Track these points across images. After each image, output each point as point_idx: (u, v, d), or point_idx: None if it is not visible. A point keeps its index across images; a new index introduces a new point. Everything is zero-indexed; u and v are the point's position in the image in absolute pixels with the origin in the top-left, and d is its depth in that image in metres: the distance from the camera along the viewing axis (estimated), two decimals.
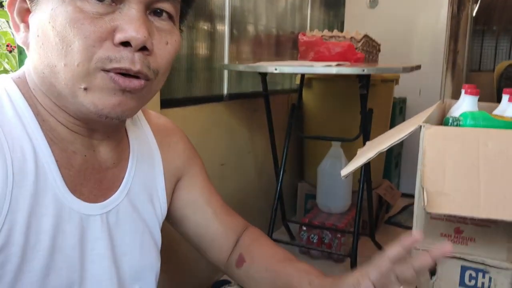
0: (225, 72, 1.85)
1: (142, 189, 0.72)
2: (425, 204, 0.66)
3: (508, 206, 0.64)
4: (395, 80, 2.37)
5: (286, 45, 2.41)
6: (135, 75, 0.55)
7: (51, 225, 0.57)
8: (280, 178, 1.92)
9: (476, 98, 1.01)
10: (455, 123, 0.88)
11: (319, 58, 1.97)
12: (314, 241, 2.01)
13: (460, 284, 0.81)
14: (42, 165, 0.57)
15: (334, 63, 1.61)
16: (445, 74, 2.87)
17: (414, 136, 0.78)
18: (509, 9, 4.41)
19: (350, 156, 1.08)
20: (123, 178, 0.69)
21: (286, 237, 2.15)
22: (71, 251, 0.60)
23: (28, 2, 0.57)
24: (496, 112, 1.02)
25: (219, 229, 0.82)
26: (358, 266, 1.69)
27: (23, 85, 0.60)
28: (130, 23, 0.53)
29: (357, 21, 2.96)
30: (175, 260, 1.50)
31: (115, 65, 0.53)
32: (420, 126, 0.76)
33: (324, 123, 2.26)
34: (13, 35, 0.62)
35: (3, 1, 1.09)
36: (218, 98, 1.82)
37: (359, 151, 0.95)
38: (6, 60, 1.17)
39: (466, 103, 1.00)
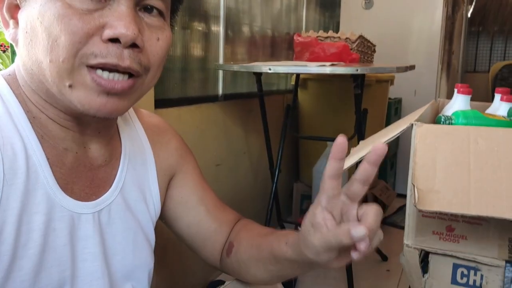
0: (220, 73, 1.85)
1: (134, 188, 0.72)
2: (416, 201, 0.66)
3: (498, 203, 0.64)
4: (390, 81, 2.38)
5: (282, 46, 2.41)
6: (124, 72, 0.55)
7: (42, 223, 0.57)
8: (276, 178, 1.92)
9: (468, 97, 1.01)
10: (447, 122, 0.88)
11: (314, 58, 1.97)
12: None
13: (452, 282, 0.81)
14: (33, 163, 0.57)
15: (328, 63, 1.61)
16: (440, 74, 2.88)
17: (410, 137, 0.78)
18: (504, 10, 4.43)
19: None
20: (115, 176, 0.68)
21: None
22: (62, 250, 0.59)
23: None
24: (489, 111, 1.02)
25: (212, 226, 0.82)
26: (353, 266, 1.71)
27: (13, 82, 0.60)
28: (119, 20, 0.53)
29: (353, 22, 2.97)
30: (171, 260, 1.50)
31: (100, 60, 0.53)
32: (412, 125, 0.76)
33: (319, 123, 2.27)
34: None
35: None
36: (213, 99, 1.82)
37: (353, 150, 0.95)
38: (0, 60, 1.16)
39: (459, 102, 1.01)
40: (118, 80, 0.54)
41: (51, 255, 0.58)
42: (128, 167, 0.71)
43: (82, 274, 0.62)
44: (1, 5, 0.58)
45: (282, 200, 2.17)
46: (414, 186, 0.68)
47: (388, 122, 2.50)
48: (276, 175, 1.92)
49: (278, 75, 2.37)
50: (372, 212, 0.55)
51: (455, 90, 1.03)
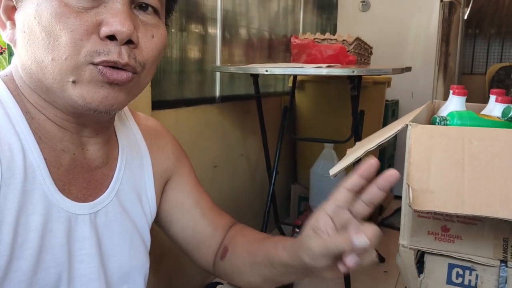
0: (217, 75, 1.86)
1: (131, 190, 0.72)
2: (410, 201, 0.66)
3: (492, 203, 0.64)
4: (387, 83, 2.39)
5: (279, 48, 2.42)
6: (122, 68, 0.55)
7: (40, 223, 0.57)
8: (273, 180, 1.93)
9: (463, 98, 1.02)
10: (442, 123, 0.89)
11: (311, 60, 1.97)
12: None
13: (447, 282, 0.81)
14: (30, 164, 0.57)
15: (324, 65, 1.62)
16: (437, 76, 2.89)
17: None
18: (501, 12, 4.45)
19: (343, 157, 1.08)
20: (112, 178, 0.69)
21: None
22: (59, 250, 0.60)
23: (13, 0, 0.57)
24: (484, 112, 1.02)
25: (207, 230, 0.82)
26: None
27: (11, 83, 0.60)
28: (115, 17, 0.54)
29: (350, 24, 2.98)
30: (167, 261, 1.49)
31: (103, 58, 0.54)
32: (407, 125, 0.76)
33: (316, 125, 2.27)
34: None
35: None
36: (211, 100, 1.82)
37: (349, 151, 0.95)
38: None
39: (454, 103, 1.01)
40: (119, 71, 0.55)
41: (48, 255, 0.58)
42: (125, 169, 0.71)
43: (79, 275, 0.63)
44: None
45: (279, 201, 2.17)
46: (408, 186, 0.68)
47: (385, 124, 2.50)
48: (274, 177, 1.92)
49: (275, 77, 2.38)
50: (371, 229, 0.57)
51: (451, 91, 1.04)
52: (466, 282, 0.80)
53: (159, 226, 0.84)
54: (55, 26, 0.52)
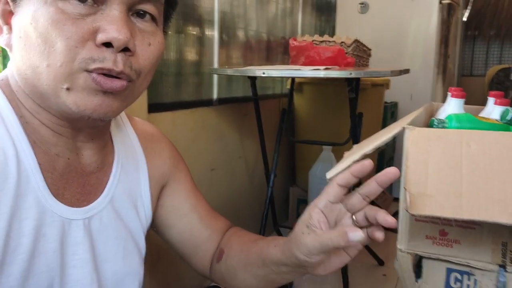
0: (215, 77, 1.85)
1: (126, 195, 0.71)
2: (408, 205, 0.65)
3: (490, 207, 0.63)
4: (386, 85, 2.38)
5: (277, 50, 2.41)
6: (117, 76, 0.55)
7: (33, 228, 0.57)
8: (271, 183, 1.92)
9: (462, 100, 1.01)
10: (440, 125, 0.88)
11: (309, 62, 1.97)
12: None
13: (445, 287, 0.80)
14: (24, 168, 0.57)
15: (322, 67, 1.61)
16: (436, 78, 2.89)
17: None
18: (500, 14, 4.45)
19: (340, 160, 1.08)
20: (106, 183, 0.68)
21: None
22: (52, 256, 0.59)
23: (11, 4, 0.56)
24: (482, 114, 1.02)
25: (204, 234, 0.82)
26: (349, 271, 1.70)
27: (6, 87, 0.60)
28: (111, 24, 0.53)
29: (348, 26, 2.98)
30: (164, 266, 1.48)
31: (98, 65, 0.53)
32: (404, 128, 0.75)
33: (315, 127, 2.26)
34: None
35: None
36: (208, 103, 1.81)
37: (346, 154, 0.95)
38: None
39: (452, 106, 1.00)
40: (114, 79, 0.55)
41: (40, 261, 0.58)
42: (120, 174, 0.71)
43: (71, 280, 0.62)
44: None
45: (278, 204, 2.16)
46: (405, 190, 0.67)
47: (384, 126, 2.49)
48: (272, 180, 1.92)
49: (273, 79, 2.38)
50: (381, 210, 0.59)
51: (449, 94, 1.03)
52: (464, 287, 0.79)
53: (156, 232, 0.84)
54: (51, 33, 0.52)
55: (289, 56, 2.11)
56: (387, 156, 2.75)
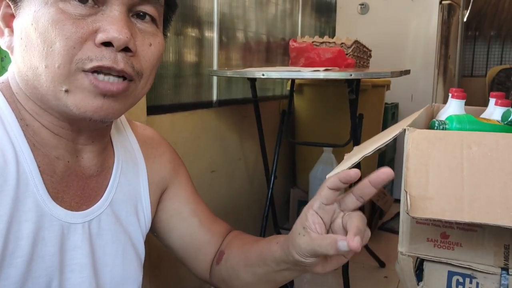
0: (215, 79, 1.85)
1: (125, 200, 0.71)
2: (408, 208, 0.65)
3: (492, 209, 0.63)
4: (386, 86, 2.38)
5: (277, 51, 2.41)
6: (118, 75, 0.55)
7: (31, 231, 0.57)
8: (271, 185, 1.91)
9: (462, 101, 1.00)
10: (441, 127, 0.87)
11: (309, 64, 1.97)
12: None
13: None
14: (23, 171, 0.57)
15: (322, 68, 1.60)
16: (437, 79, 2.88)
17: None
18: (501, 15, 4.45)
19: (341, 162, 1.07)
20: (106, 187, 0.68)
21: None
22: (50, 259, 0.59)
23: (12, 7, 0.57)
24: (483, 115, 1.01)
25: (205, 237, 0.82)
26: (350, 273, 1.69)
27: (6, 90, 0.60)
28: (112, 24, 0.54)
29: (349, 27, 2.97)
30: (165, 269, 1.48)
31: (95, 63, 0.53)
32: (404, 130, 0.75)
33: (315, 128, 2.26)
34: None
35: None
36: (208, 105, 1.81)
37: (346, 156, 0.94)
38: None
39: (453, 107, 1.00)
40: (113, 82, 0.55)
41: (39, 264, 0.58)
42: (120, 178, 0.71)
43: (70, 284, 0.62)
44: None
45: (279, 206, 2.15)
46: (406, 192, 0.66)
47: (385, 127, 2.49)
48: (272, 181, 1.91)
49: (273, 80, 2.37)
50: (357, 216, 0.59)
51: (450, 95, 1.02)
52: None
53: (156, 236, 0.84)
54: (50, 33, 0.52)
55: (289, 57, 2.11)
56: (387, 157, 2.74)
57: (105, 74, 0.55)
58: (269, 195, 1.90)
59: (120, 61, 0.54)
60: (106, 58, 0.54)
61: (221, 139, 1.83)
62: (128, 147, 0.75)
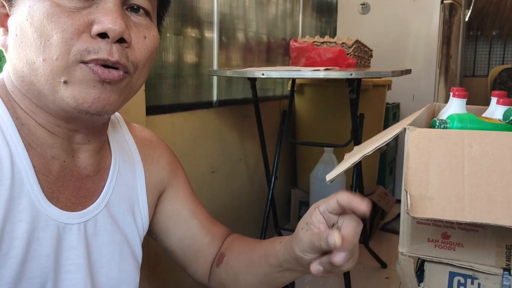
0: (215, 79, 1.84)
1: (122, 201, 0.71)
2: (409, 208, 0.64)
3: (493, 209, 0.62)
4: (387, 85, 2.37)
5: (278, 51, 2.40)
6: (113, 66, 0.56)
7: (26, 232, 0.56)
8: (272, 185, 1.91)
9: (464, 101, 0.99)
10: (442, 126, 0.86)
11: (310, 64, 1.96)
12: None
13: None
14: (18, 170, 0.56)
15: (322, 68, 1.60)
16: (438, 79, 2.87)
17: None
18: (502, 14, 4.43)
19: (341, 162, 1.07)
20: (103, 188, 0.68)
21: None
22: (45, 260, 0.58)
23: (6, 7, 0.57)
24: (485, 114, 1.00)
25: (205, 239, 0.82)
26: (352, 274, 1.68)
27: (1, 89, 0.60)
28: (106, 15, 0.54)
29: (350, 27, 2.97)
30: (164, 271, 1.47)
31: (93, 56, 0.54)
32: (405, 129, 0.74)
33: (316, 129, 2.25)
34: None
35: None
36: (208, 105, 1.80)
37: (346, 156, 0.93)
38: None
39: (454, 106, 0.99)
40: (111, 70, 0.55)
41: (33, 265, 0.57)
42: (117, 179, 0.70)
43: (65, 285, 0.61)
44: None
45: (279, 207, 2.15)
46: (406, 192, 0.66)
47: (386, 127, 2.47)
48: (272, 182, 1.90)
49: (274, 80, 2.37)
50: (349, 226, 0.59)
51: (451, 94, 1.01)
52: None
53: (154, 239, 0.83)
54: (46, 26, 0.53)
55: (290, 57, 2.10)
56: (389, 157, 2.73)
57: (102, 66, 0.55)
58: (270, 195, 1.89)
59: (115, 52, 0.55)
60: (102, 50, 0.54)
61: (221, 140, 1.82)
62: (125, 148, 0.74)
